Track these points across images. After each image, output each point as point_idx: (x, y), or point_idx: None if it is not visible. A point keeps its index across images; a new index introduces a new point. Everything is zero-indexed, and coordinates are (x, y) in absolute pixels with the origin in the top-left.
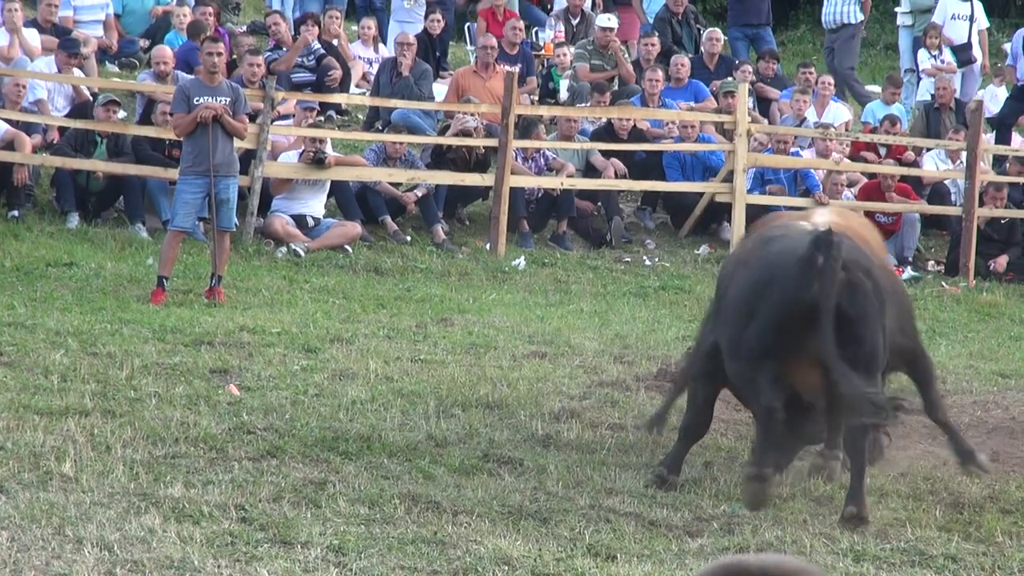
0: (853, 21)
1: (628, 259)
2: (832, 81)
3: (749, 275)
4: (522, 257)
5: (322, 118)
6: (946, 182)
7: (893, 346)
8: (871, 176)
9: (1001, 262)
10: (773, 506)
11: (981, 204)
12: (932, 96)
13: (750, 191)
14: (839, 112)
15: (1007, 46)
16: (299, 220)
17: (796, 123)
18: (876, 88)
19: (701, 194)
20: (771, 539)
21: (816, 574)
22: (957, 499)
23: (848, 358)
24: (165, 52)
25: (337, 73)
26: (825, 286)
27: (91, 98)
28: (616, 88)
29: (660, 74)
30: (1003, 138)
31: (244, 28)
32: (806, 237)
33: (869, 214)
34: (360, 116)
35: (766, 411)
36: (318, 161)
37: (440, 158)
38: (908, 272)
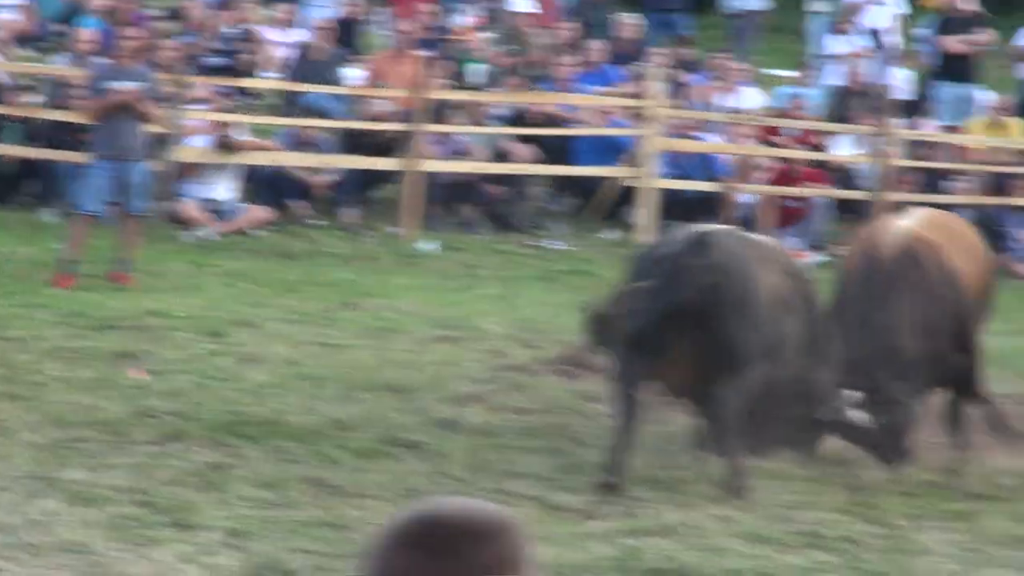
0: (757, 8)
1: (536, 243)
2: (743, 67)
3: (636, 274)
4: (431, 242)
5: (236, 103)
6: (857, 167)
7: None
8: (781, 161)
9: None
10: (675, 490)
11: (891, 188)
12: (844, 80)
13: (660, 176)
14: (751, 97)
15: (919, 31)
16: (209, 204)
17: (706, 107)
18: (785, 73)
19: (610, 178)
20: (671, 522)
21: (508, 524)
22: (856, 481)
23: (715, 357)
24: (85, 33)
25: (251, 57)
26: (689, 287)
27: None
28: (528, 73)
29: (572, 59)
30: (913, 123)
31: (158, 13)
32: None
33: (779, 199)
34: (274, 100)
35: (621, 403)
36: (226, 146)
37: (351, 142)
38: (816, 257)
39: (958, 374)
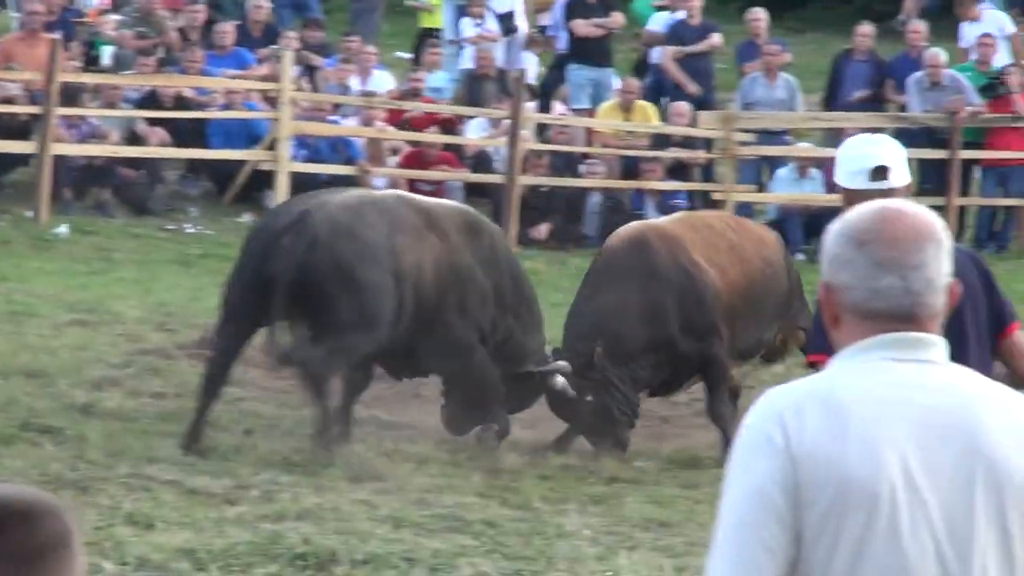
0: None
1: (171, 227)
2: (374, 49)
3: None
4: (65, 225)
5: None
6: (489, 150)
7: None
8: (414, 144)
9: (542, 230)
10: (313, 474)
11: (523, 172)
12: (475, 64)
13: (293, 159)
14: (383, 80)
15: (549, 15)
16: None
17: (340, 91)
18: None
19: (245, 162)
20: (310, 506)
21: (55, 506)
22: (495, 466)
23: (318, 325)
24: None
25: None
26: (284, 261)
27: None
28: (161, 56)
29: (199, 53)
30: (544, 106)
31: None
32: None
33: (411, 181)
34: None
35: (207, 369)
36: None
37: None
38: None
39: (700, 364)
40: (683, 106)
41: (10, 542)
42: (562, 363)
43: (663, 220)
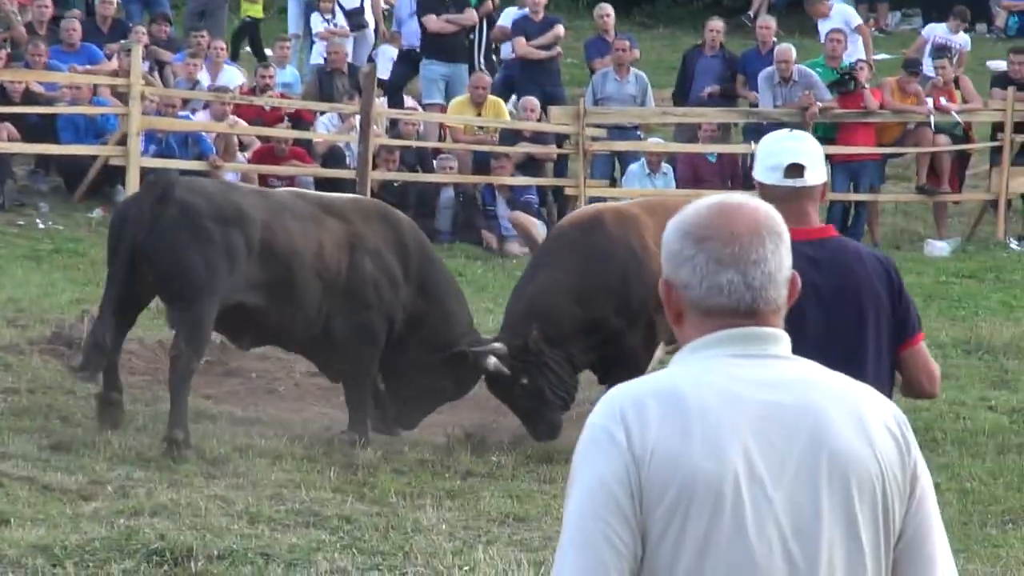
0: None
1: (21, 222)
2: (224, 45)
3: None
4: None
5: None
6: (341, 146)
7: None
8: (265, 140)
9: None
10: (168, 469)
11: (375, 168)
12: (325, 60)
13: (143, 154)
14: (233, 75)
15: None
16: None
17: (189, 86)
18: (268, 52)
19: (95, 157)
20: (165, 501)
21: None
22: (351, 460)
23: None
24: None
25: None
26: (129, 228)
27: None
28: (8, 51)
29: (43, 47)
30: (395, 101)
31: None
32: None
33: (263, 177)
34: None
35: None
36: None
37: None
38: None
39: (619, 351)
40: (533, 101)
41: None
42: (497, 344)
43: (625, 202)
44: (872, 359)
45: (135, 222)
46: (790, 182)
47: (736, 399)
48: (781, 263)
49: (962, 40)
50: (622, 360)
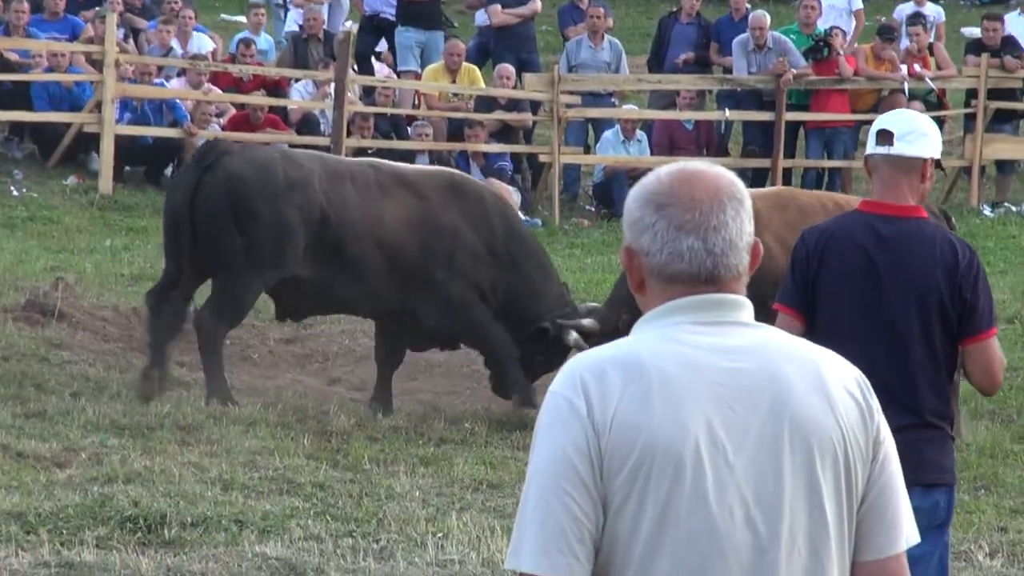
0: None
1: None
2: (192, 14)
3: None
4: None
5: None
6: (315, 113)
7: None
8: (240, 107)
9: None
10: (142, 436)
11: (349, 135)
12: (300, 27)
13: (118, 121)
14: (204, 42)
15: None
16: None
17: (163, 53)
18: (241, 19)
19: (69, 124)
20: (139, 468)
21: None
22: (325, 427)
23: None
24: None
25: None
26: (175, 194)
27: None
28: None
29: (26, 5)
30: (364, 69)
31: None
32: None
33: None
34: None
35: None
36: None
37: None
38: None
39: None
40: (508, 69)
41: None
42: (586, 321)
43: (753, 192)
44: (918, 342)
45: (182, 190)
46: (881, 150)
47: (697, 366)
48: (742, 229)
49: (934, 12)
50: None
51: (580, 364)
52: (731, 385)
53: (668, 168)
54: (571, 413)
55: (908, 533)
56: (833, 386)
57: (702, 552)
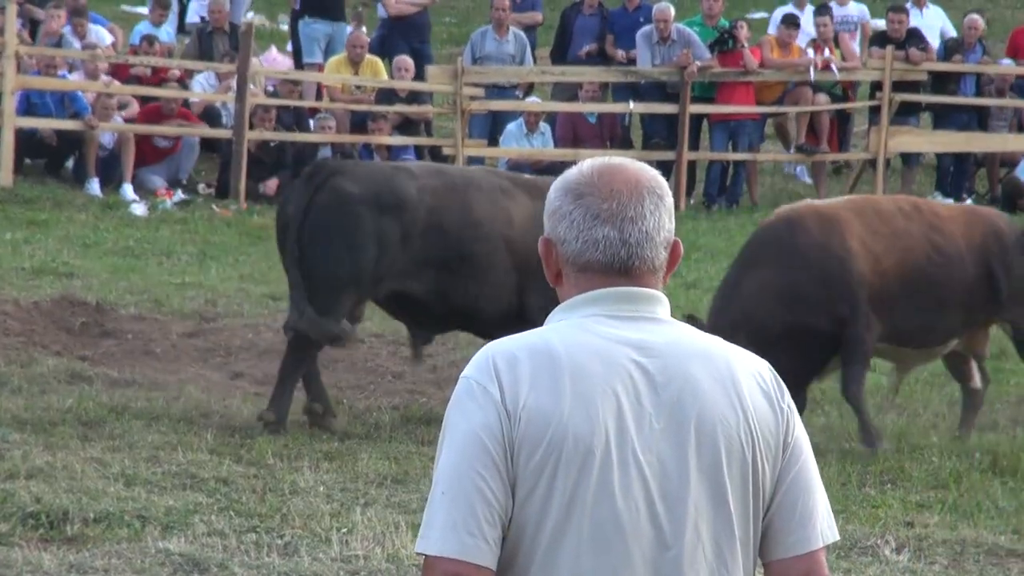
0: None
1: None
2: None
3: None
4: None
5: None
6: (217, 105)
7: None
8: (146, 100)
9: (271, 185)
10: (43, 431)
11: (251, 127)
12: (203, 19)
13: (18, 114)
14: (102, 35)
15: None
16: None
17: (55, 39)
18: (143, 10)
19: None
20: (42, 464)
21: None
22: (228, 422)
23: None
24: None
25: None
26: (286, 210)
27: None
28: None
29: None
30: (274, 60)
31: None
32: None
33: (147, 137)
34: None
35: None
36: None
37: None
38: (178, 195)
39: (842, 346)
40: (407, 61)
41: None
42: None
43: (828, 201)
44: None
45: (294, 210)
46: None
47: (609, 359)
48: (660, 224)
49: (858, 10)
50: (845, 354)
51: (493, 350)
52: (641, 380)
53: (592, 161)
54: (484, 397)
55: (824, 530)
56: (744, 383)
57: (606, 543)
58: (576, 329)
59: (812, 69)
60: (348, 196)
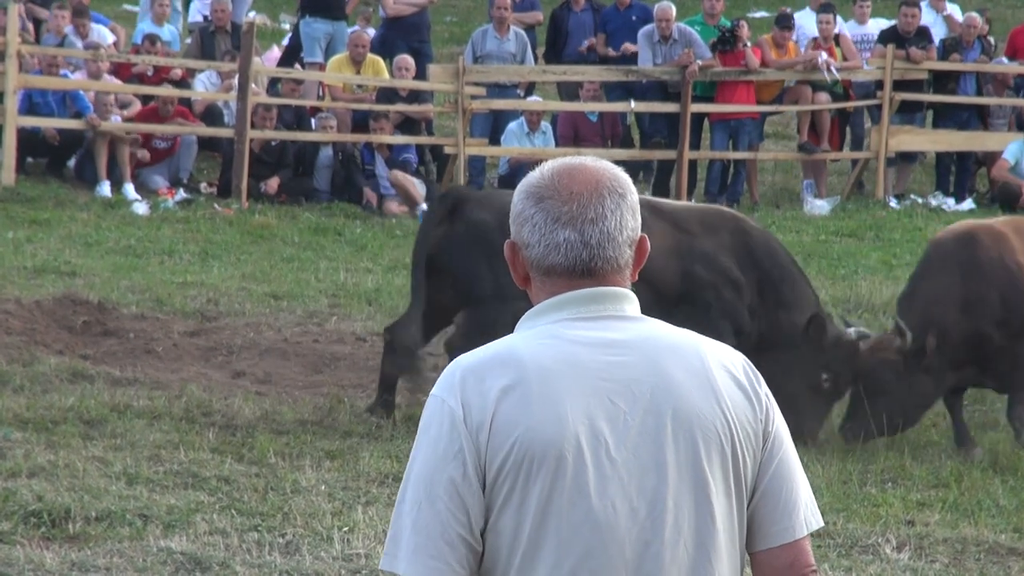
0: None
1: None
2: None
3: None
4: None
5: None
6: (219, 104)
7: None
8: (146, 100)
9: (273, 184)
10: (45, 430)
11: (253, 126)
12: (205, 18)
13: (20, 113)
14: (103, 34)
15: None
16: None
17: (59, 39)
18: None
19: None
20: (43, 463)
21: None
22: (230, 421)
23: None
24: None
25: None
26: (424, 243)
27: None
28: None
29: None
30: (275, 59)
31: None
32: None
33: (146, 139)
34: None
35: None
36: None
37: None
38: (180, 194)
39: (1010, 364)
40: (407, 60)
41: None
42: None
43: (992, 221)
44: None
45: (428, 236)
46: None
47: (577, 362)
48: (622, 223)
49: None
50: (1013, 374)
51: (460, 364)
52: (612, 379)
53: (552, 162)
54: (447, 417)
55: (807, 518)
56: (718, 376)
57: (585, 545)
58: (543, 335)
59: (826, 67)
60: (485, 223)
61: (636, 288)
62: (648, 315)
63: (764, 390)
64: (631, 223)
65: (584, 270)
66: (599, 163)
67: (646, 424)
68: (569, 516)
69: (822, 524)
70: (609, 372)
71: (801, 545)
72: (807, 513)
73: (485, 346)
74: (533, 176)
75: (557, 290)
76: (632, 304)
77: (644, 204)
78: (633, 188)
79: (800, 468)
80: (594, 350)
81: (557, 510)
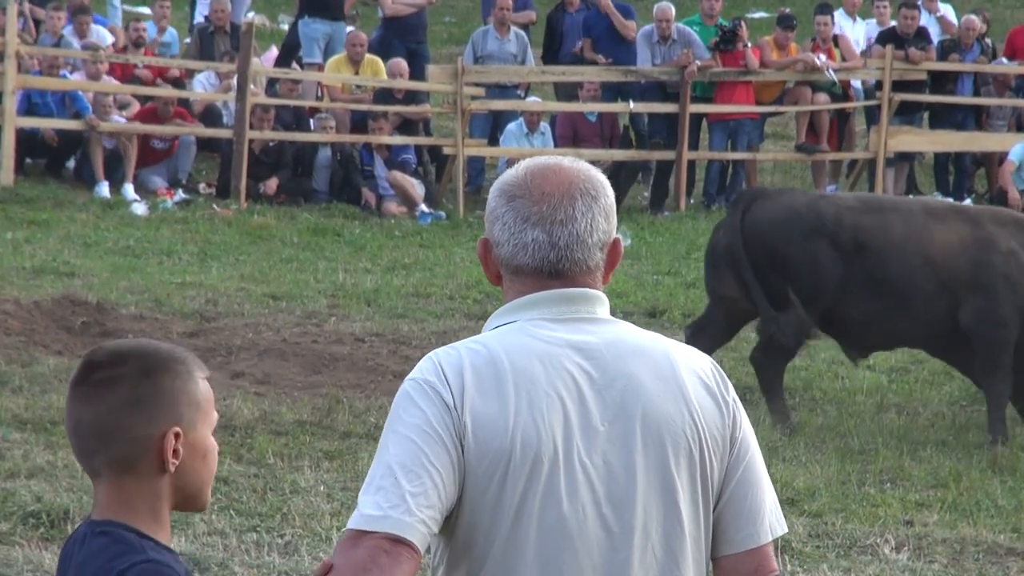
0: None
1: None
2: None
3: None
4: None
5: None
6: (218, 105)
7: None
8: (145, 100)
9: (272, 184)
10: (44, 430)
11: (251, 127)
12: (206, 18)
13: (19, 114)
14: (102, 35)
15: None
16: None
17: (55, 40)
18: (144, 9)
19: None
20: (42, 463)
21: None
22: (229, 421)
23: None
24: None
25: None
26: (724, 236)
27: None
28: None
29: None
30: (273, 59)
31: None
32: None
33: (146, 138)
34: None
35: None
36: None
37: None
38: (179, 194)
39: None
40: (401, 64)
41: None
42: None
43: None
44: None
45: (729, 237)
46: None
47: (550, 362)
48: (593, 225)
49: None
50: None
51: (439, 357)
52: (584, 382)
53: (529, 161)
54: (437, 396)
55: (772, 524)
56: (687, 380)
57: (555, 548)
58: (517, 333)
59: (826, 69)
60: (777, 221)
61: (932, 276)
62: (941, 300)
63: (732, 395)
64: (603, 226)
65: (552, 271)
66: (575, 164)
67: (615, 428)
68: (540, 520)
69: (786, 530)
70: (581, 375)
71: (765, 551)
72: (772, 519)
73: (459, 342)
74: (508, 174)
75: (526, 289)
76: (603, 306)
77: (949, 207)
78: (609, 191)
79: (766, 474)
80: (566, 351)
81: (529, 513)
